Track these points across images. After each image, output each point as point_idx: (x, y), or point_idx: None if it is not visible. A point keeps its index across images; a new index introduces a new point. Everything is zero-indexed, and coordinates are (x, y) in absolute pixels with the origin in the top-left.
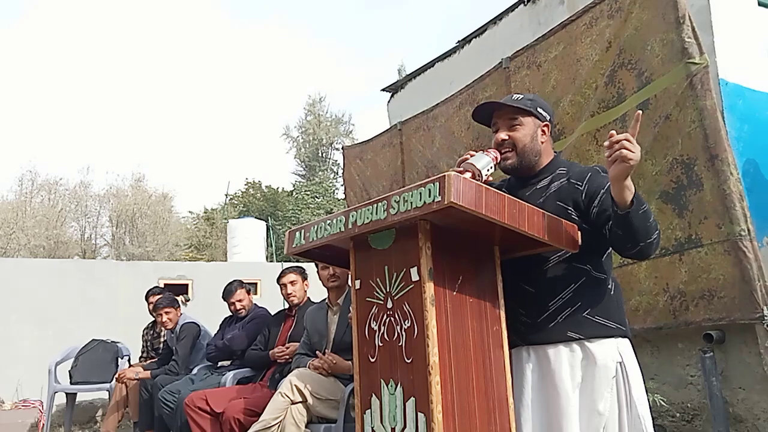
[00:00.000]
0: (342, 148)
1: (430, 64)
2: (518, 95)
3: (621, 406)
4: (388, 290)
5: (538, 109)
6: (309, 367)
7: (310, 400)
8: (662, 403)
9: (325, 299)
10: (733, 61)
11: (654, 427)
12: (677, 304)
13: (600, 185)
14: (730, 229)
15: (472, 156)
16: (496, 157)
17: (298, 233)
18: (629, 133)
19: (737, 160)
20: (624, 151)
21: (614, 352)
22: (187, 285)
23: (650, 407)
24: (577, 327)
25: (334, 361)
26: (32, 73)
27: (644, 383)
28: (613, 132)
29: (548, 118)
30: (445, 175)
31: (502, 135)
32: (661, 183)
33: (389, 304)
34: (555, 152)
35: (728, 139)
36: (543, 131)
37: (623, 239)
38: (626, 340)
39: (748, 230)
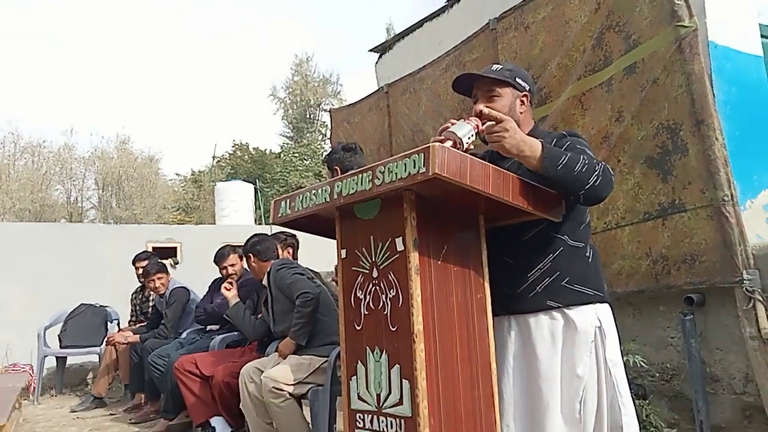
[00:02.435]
0: (329, 111)
1: (419, 24)
2: (497, 66)
3: (599, 368)
4: (373, 260)
5: (517, 80)
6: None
7: (295, 390)
8: (642, 364)
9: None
10: (723, 24)
11: (635, 386)
12: (659, 268)
13: (560, 146)
14: (714, 195)
15: (453, 124)
16: (477, 125)
17: (283, 203)
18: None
19: (725, 123)
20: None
21: (593, 317)
22: (175, 248)
23: (631, 367)
24: (556, 296)
25: (285, 352)
26: (11, 31)
27: (626, 345)
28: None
29: (527, 88)
30: (429, 146)
31: (480, 106)
32: (646, 148)
33: (375, 274)
34: (534, 122)
35: (715, 104)
36: (522, 101)
37: (562, 192)
38: (605, 305)
39: (731, 195)
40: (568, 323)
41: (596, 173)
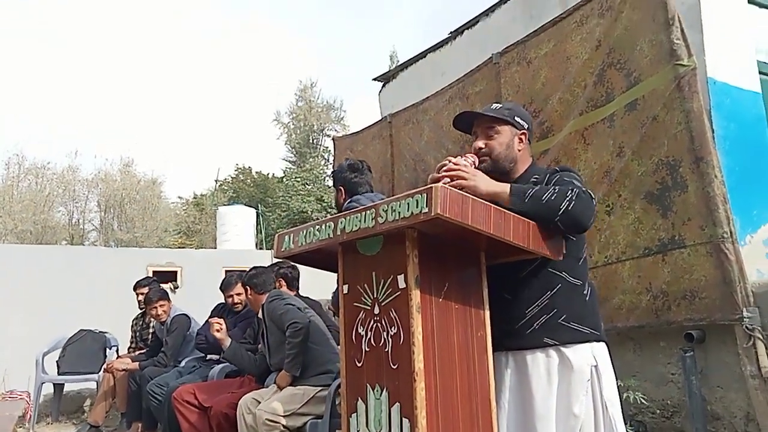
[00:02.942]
0: (332, 139)
1: (422, 55)
2: (497, 104)
3: (596, 407)
4: (375, 296)
5: (516, 118)
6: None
7: (289, 422)
8: (643, 400)
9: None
10: (722, 60)
11: (635, 423)
12: (660, 304)
13: (549, 182)
14: (713, 231)
15: (450, 162)
16: (474, 162)
17: (287, 237)
18: None
19: (724, 159)
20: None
21: (589, 357)
22: (176, 272)
23: (631, 403)
24: (553, 333)
25: (281, 385)
26: (18, 55)
27: (626, 381)
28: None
29: (526, 126)
30: (432, 187)
31: (479, 143)
32: (646, 184)
33: (376, 310)
34: (533, 157)
35: (714, 141)
36: (520, 139)
37: (540, 223)
38: (601, 344)
39: (731, 232)
40: (563, 361)
41: (568, 198)
